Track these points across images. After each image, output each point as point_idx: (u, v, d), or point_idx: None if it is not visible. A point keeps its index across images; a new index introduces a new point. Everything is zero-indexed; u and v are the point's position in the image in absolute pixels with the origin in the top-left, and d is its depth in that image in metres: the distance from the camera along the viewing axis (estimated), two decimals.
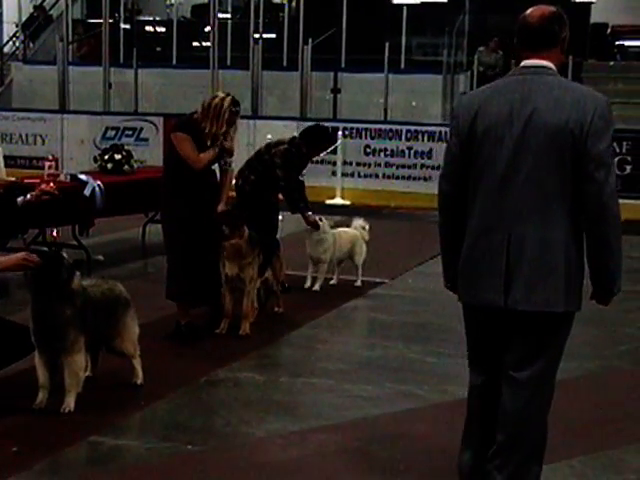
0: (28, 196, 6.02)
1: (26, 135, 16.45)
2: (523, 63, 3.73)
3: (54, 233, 9.09)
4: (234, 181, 7.90)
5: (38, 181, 8.45)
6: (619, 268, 3.64)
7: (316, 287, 8.26)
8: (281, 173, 7.68)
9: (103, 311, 5.33)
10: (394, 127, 14.63)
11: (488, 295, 3.67)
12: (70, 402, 5.04)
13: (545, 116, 3.56)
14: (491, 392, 3.82)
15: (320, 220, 8.12)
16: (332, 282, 8.46)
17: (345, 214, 8.99)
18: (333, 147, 11.10)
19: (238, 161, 7.61)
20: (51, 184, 6.93)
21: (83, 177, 8.78)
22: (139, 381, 5.57)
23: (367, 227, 8.63)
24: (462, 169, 3.73)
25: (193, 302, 6.82)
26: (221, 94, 6.71)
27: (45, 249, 6.12)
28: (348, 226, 8.65)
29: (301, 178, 8.03)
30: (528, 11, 3.72)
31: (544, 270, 3.59)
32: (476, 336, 3.85)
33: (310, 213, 8.06)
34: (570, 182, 3.57)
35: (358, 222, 8.67)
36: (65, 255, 5.11)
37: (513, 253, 3.61)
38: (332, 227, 8.47)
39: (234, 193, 7.90)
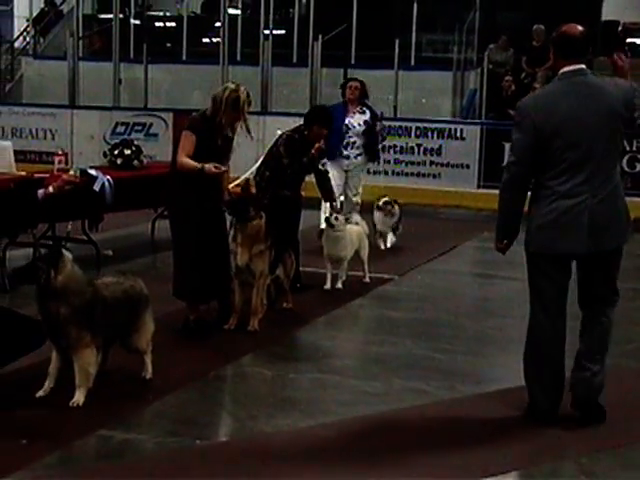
0: (50, 189, 5.92)
1: (36, 130, 16.51)
2: (571, 68, 4.75)
3: (69, 226, 9.11)
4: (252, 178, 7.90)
5: (48, 176, 8.47)
6: None
7: (338, 285, 8.20)
8: (286, 161, 7.69)
9: (125, 309, 5.35)
10: (404, 124, 14.62)
11: (572, 245, 4.74)
12: (80, 397, 5.05)
13: (608, 102, 4.71)
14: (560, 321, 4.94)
15: (336, 219, 8.10)
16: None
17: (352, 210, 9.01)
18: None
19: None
20: (71, 172, 6.88)
21: (93, 172, 8.79)
22: (148, 375, 5.58)
23: (364, 223, 8.71)
24: (534, 154, 4.75)
25: (202, 299, 6.84)
26: (231, 85, 6.66)
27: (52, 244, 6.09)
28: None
29: (322, 167, 8.04)
30: (569, 26, 4.82)
31: (615, 221, 4.78)
32: (549, 279, 4.85)
33: (335, 203, 8.18)
34: (619, 152, 4.84)
35: (356, 217, 8.69)
36: (42, 252, 5.13)
37: (592, 210, 4.70)
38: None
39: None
